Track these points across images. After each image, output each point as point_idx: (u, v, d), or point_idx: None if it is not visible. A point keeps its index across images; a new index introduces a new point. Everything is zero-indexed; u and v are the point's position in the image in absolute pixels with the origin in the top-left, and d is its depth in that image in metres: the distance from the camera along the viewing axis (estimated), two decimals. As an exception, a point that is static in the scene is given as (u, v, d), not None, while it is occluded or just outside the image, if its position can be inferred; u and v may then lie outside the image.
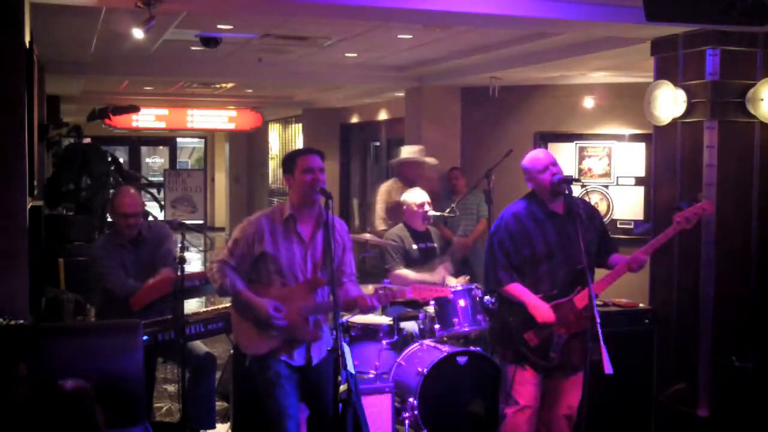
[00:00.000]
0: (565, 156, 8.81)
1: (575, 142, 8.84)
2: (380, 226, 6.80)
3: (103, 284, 4.99)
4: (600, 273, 4.36)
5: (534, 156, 4.41)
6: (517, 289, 4.26)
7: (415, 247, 5.94)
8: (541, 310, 4.18)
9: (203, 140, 21.11)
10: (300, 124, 15.36)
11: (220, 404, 5.88)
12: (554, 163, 4.33)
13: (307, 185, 3.94)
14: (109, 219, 9.03)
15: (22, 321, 3.96)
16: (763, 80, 5.31)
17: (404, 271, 5.77)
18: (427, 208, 6.03)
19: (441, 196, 7.77)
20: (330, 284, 3.85)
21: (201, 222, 15.92)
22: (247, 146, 19.22)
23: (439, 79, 9.23)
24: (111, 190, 8.91)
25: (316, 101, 13.79)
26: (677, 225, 4.24)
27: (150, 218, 7.19)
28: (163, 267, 5.01)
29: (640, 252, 4.25)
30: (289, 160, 4.06)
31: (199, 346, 5.16)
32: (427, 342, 5.37)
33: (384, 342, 5.28)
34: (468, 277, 5.91)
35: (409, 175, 6.50)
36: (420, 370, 5.06)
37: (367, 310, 4.11)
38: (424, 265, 5.91)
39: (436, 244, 6.10)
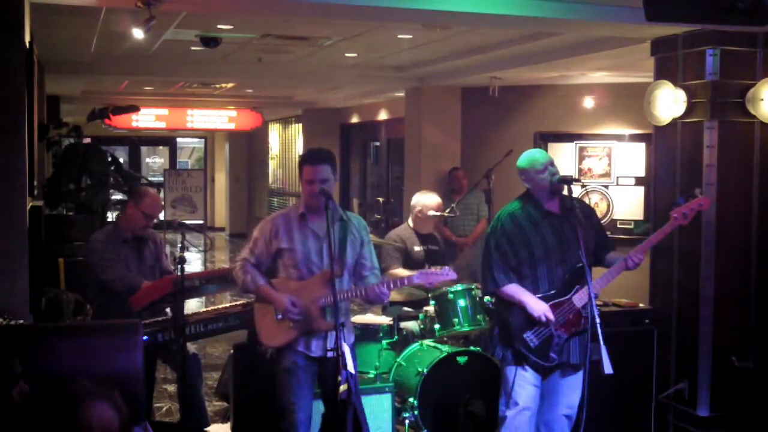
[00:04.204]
0: (565, 156, 8.82)
1: (575, 142, 8.85)
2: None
3: (103, 277, 5.03)
4: (597, 272, 4.35)
5: (531, 156, 4.37)
6: (514, 290, 4.24)
7: (417, 248, 5.91)
8: (540, 309, 4.17)
9: (203, 140, 21.09)
10: (300, 124, 15.37)
11: (219, 404, 5.89)
12: (552, 163, 4.32)
13: (307, 195, 4.12)
14: (108, 217, 9.10)
15: (22, 321, 3.95)
16: (763, 80, 5.31)
17: (400, 270, 5.75)
18: (435, 213, 6.05)
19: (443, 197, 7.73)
20: (331, 283, 3.88)
21: (201, 222, 15.90)
22: (247, 146, 19.23)
23: (439, 79, 9.23)
24: (111, 190, 8.92)
25: (316, 101, 13.79)
26: (674, 221, 4.24)
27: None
28: (163, 271, 5.24)
29: (637, 250, 4.23)
30: (299, 164, 4.20)
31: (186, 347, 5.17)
32: (427, 342, 5.37)
33: (384, 342, 5.28)
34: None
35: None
36: (420, 370, 5.06)
37: (377, 297, 4.13)
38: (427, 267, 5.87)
39: (440, 247, 6.10)
